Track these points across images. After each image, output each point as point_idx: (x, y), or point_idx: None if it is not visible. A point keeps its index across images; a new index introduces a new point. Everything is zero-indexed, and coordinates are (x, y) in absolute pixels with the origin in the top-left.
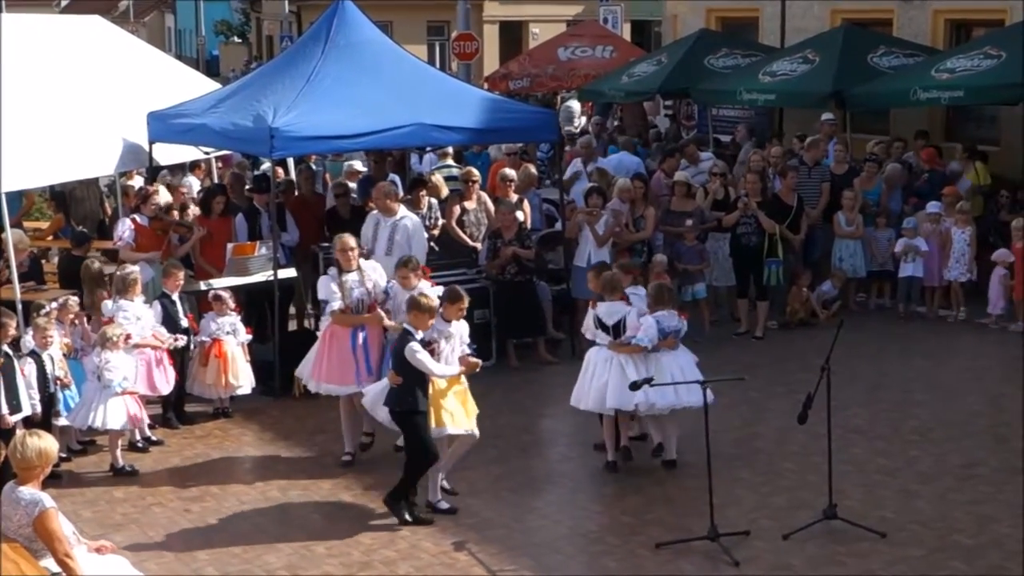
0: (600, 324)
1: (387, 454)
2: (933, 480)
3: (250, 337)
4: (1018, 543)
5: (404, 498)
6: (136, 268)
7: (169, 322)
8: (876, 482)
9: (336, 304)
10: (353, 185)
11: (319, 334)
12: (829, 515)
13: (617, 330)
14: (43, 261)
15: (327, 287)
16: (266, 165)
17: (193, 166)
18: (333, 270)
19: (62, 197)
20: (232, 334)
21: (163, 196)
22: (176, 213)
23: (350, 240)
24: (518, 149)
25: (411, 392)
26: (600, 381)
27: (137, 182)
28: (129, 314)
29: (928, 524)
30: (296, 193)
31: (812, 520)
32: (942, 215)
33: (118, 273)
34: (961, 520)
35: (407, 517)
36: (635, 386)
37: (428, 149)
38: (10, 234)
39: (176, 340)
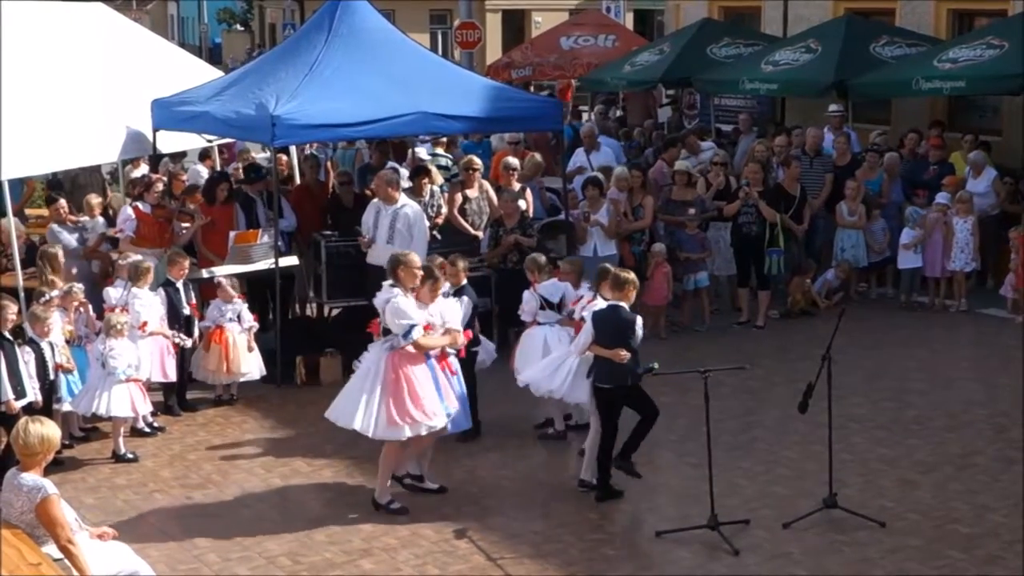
0: (547, 303)
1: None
2: (932, 469)
3: (256, 324)
4: (1015, 532)
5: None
6: (149, 257)
7: (172, 310)
8: (876, 471)
9: (421, 326)
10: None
11: (363, 368)
12: (829, 504)
13: (560, 306)
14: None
15: (407, 309)
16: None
17: (203, 157)
18: (399, 290)
19: (60, 185)
20: (236, 321)
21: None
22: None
23: (417, 259)
24: (521, 138)
25: (636, 363)
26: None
27: (143, 170)
28: (143, 302)
29: (927, 513)
30: (300, 181)
31: (812, 509)
32: (949, 205)
33: (128, 261)
34: (959, 509)
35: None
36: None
37: (424, 138)
38: (12, 221)
39: (183, 340)
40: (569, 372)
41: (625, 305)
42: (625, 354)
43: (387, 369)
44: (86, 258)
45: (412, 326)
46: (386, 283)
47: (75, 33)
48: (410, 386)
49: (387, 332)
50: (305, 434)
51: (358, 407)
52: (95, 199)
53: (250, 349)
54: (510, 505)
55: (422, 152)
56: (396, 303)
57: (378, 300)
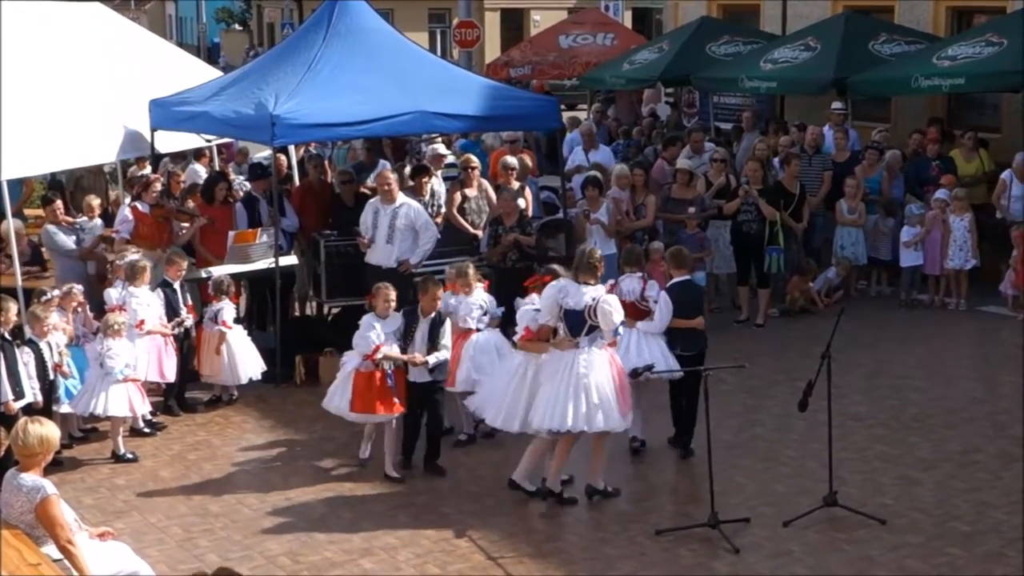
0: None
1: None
2: (932, 467)
3: (227, 328)
4: (1016, 530)
5: None
6: (147, 257)
7: (170, 310)
8: (876, 469)
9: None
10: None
11: (570, 369)
12: (829, 502)
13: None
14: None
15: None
16: (266, 152)
17: (198, 155)
18: (601, 287)
19: (60, 185)
20: (213, 320)
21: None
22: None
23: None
24: (519, 137)
25: None
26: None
27: (147, 171)
28: (141, 301)
29: (927, 511)
30: (303, 179)
31: (812, 507)
32: (948, 202)
33: (124, 261)
34: (960, 507)
35: None
36: (635, 374)
37: (426, 137)
38: (11, 221)
39: (182, 322)
40: (661, 349)
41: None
42: (703, 320)
43: (613, 364)
44: (82, 259)
45: (622, 321)
46: (562, 282)
47: (73, 33)
48: (623, 378)
49: (579, 331)
50: (304, 433)
51: (607, 407)
52: (95, 200)
53: (217, 352)
54: (510, 504)
55: (441, 148)
56: (612, 300)
57: (567, 298)
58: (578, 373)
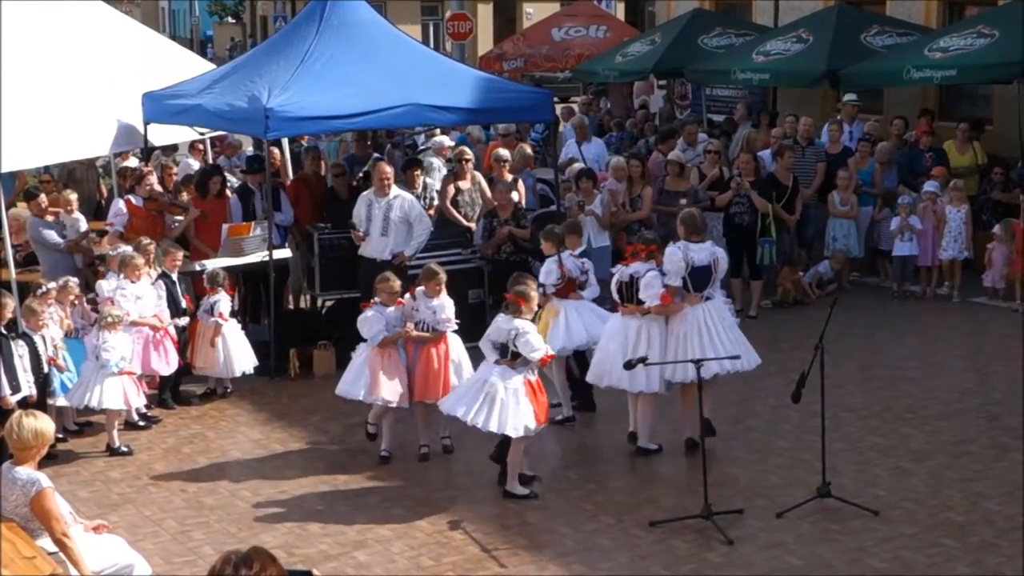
0: None
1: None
2: (926, 458)
3: (223, 320)
4: (1009, 520)
5: None
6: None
7: (172, 301)
8: (869, 460)
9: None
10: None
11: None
12: (823, 493)
13: None
14: None
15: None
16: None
17: (191, 147)
18: None
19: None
20: (209, 313)
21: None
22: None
23: None
24: (513, 130)
25: None
26: None
27: (132, 163)
28: (127, 293)
29: (920, 502)
30: (299, 172)
31: (806, 498)
32: (939, 194)
33: (117, 252)
34: (953, 497)
35: None
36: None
37: (419, 130)
38: (5, 216)
39: (177, 321)
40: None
41: None
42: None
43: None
44: (69, 252)
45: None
46: (681, 244)
47: (66, 26)
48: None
49: (705, 285)
50: (299, 426)
51: (745, 348)
52: (72, 195)
53: (212, 344)
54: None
55: (445, 139)
56: (724, 253)
57: (696, 257)
58: (715, 321)
